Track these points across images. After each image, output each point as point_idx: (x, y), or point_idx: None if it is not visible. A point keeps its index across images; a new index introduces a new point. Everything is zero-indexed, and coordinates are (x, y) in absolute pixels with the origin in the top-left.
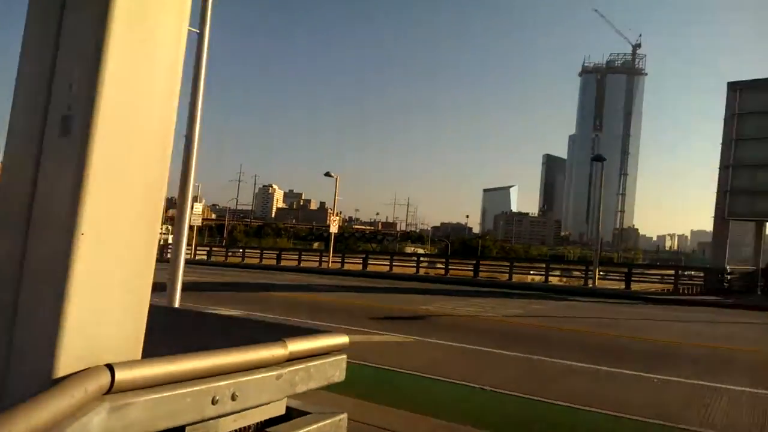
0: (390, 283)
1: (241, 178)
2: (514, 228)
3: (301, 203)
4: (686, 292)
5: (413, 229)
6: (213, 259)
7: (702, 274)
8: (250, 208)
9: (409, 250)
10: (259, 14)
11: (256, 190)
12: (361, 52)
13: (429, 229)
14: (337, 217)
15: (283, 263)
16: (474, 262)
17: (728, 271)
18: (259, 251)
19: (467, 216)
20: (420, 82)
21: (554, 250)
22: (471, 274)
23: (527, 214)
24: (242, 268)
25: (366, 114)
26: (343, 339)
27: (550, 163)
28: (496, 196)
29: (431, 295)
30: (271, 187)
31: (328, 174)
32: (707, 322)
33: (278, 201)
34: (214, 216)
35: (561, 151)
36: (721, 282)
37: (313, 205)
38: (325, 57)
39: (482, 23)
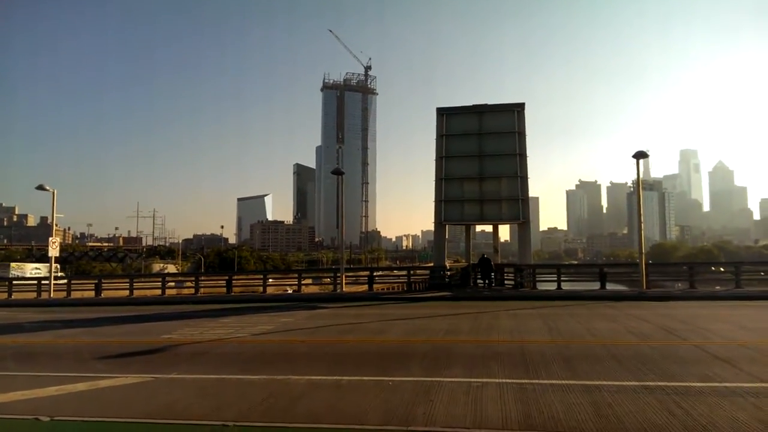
0: (130, 310)
1: None
2: (271, 236)
3: (15, 219)
4: (416, 288)
5: (162, 243)
6: None
7: (427, 272)
8: None
9: (158, 267)
10: None
11: None
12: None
13: (180, 242)
14: (58, 238)
15: None
16: (227, 277)
17: (447, 268)
18: None
19: (222, 226)
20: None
21: (310, 255)
22: (224, 290)
23: (283, 221)
24: None
25: (98, 118)
26: None
27: (301, 172)
28: (251, 204)
29: (178, 320)
30: None
31: (41, 187)
32: (431, 317)
33: None
34: None
35: (310, 161)
36: (443, 278)
37: (31, 221)
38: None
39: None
